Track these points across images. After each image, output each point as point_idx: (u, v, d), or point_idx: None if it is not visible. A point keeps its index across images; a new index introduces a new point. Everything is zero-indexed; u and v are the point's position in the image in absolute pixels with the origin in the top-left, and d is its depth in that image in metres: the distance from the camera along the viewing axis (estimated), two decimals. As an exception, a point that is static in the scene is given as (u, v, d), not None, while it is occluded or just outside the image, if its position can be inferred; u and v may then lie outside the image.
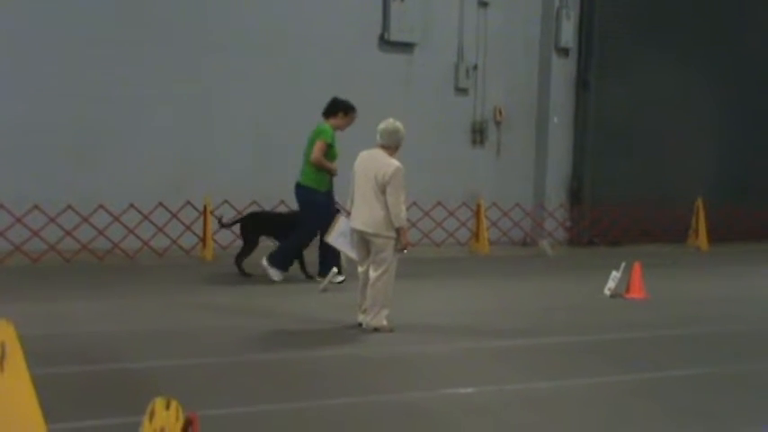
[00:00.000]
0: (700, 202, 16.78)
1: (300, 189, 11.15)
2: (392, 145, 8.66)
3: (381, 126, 8.71)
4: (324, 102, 11.29)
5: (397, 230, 8.45)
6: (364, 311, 8.69)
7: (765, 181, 18.32)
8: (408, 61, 15.41)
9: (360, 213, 8.58)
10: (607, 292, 11.20)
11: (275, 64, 14.51)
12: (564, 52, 16.37)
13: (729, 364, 8.02)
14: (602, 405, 6.60)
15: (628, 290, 11.25)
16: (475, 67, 15.86)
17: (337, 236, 8.93)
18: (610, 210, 16.36)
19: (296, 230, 11.24)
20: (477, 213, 15.43)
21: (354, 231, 8.67)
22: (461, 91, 15.84)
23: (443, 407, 6.33)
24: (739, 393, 7.11)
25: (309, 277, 11.46)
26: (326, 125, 11.16)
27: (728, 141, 17.92)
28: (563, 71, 16.46)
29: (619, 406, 6.59)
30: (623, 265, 11.32)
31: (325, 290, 10.76)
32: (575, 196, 16.60)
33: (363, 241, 8.64)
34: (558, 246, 16.06)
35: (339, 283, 11.10)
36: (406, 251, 8.55)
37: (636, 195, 16.58)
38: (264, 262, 11.23)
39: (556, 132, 16.45)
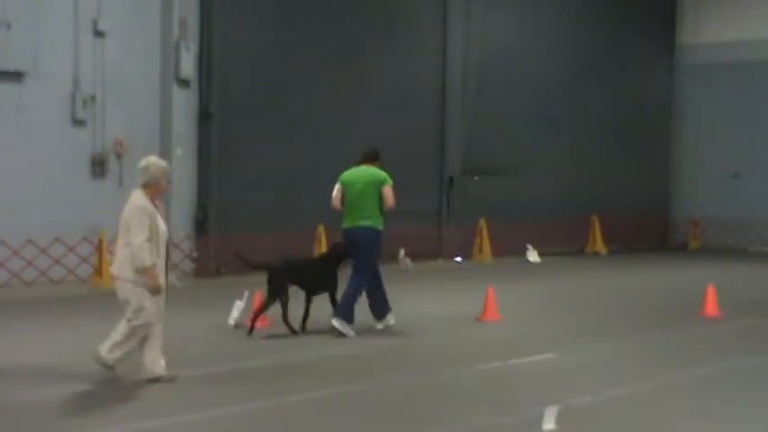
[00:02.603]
0: (321, 228, 17.40)
1: (370, 232, 11.12)
2: (148, 183, 8.34)
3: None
4: None
5: (143, 272, 8.11)
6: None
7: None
8: (18, 91, 14.60)
9: (114, 257, 8.47)
10: (231, 321, 11.26)
11: None
12: (185, 84, 16.31)
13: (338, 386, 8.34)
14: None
15: (252, 319, 11.33)
16: (93, 98, 15.37)
17: None
18: (237, 239, 16.48)
19: (360, 275, 11.07)
20: (99, 248, 14.95)
21: None
22: (79, 122, 15.26)
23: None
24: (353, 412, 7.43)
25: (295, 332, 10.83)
26: (379, 169, 11.37)
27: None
28: (185, 102, 16.39)
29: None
30: (246, 294, 11.46)
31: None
32: (200, 227, 16.56)
33: None
34: (185, 277, 15.93)
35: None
36: (155, 294, 8.21)
37: (263, 223, 16.87)
38: (335, 321, 10.78)
39: (180, 164, 16.33)
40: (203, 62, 16.45)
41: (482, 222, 20.29)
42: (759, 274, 18.71)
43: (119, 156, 15.74)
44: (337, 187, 11.40)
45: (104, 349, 8.29)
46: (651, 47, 24.85)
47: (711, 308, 12.90)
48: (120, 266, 8.27)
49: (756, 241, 24.18)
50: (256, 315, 10.80)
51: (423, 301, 14.09)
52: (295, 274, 10.81)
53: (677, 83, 25.46)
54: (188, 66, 16.18)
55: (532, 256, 20.16)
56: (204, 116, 16.49)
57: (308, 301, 11.04)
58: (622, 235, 23.28)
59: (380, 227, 11.20)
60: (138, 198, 8.29)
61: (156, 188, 8.38)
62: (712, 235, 24.76)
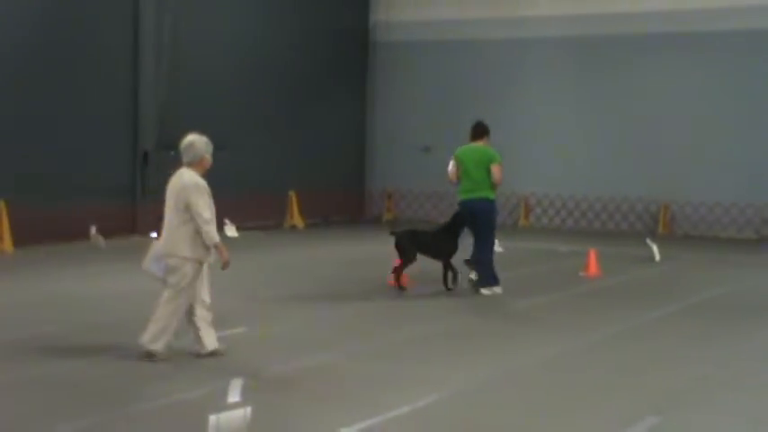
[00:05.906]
0: (2, 204, 16.30)
1: (487, 203, 12.31)
2: (193, 161, 8.40)
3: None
4: None
5: (214, 248, 8.26)
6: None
7: (66, 180, 18.22)
8: None
9: (164, 235, 8.35)
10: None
11: None
12: None
13: (34, 368, 8.02)
14: None
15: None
16: None
17: (151, 261, 8.36)
18: None
19: (483, 244, 12.30)
20: None
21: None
22: None
23: None
24: (44, 395, 7.21)
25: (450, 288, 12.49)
26: (489, 147, 12.41)
27: (36, 139, 17.58)
28: None
29: None
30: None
31: None
32: None
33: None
34: None
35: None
36: (226, 268, 8.41)
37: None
38: (484, 291, 12.25)
39: None
40: None
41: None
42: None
43: None
44: (452, 163, 12.59)
45: (147, 339, 8.23)
46: (345, 24, 25.38)
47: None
48: (175, 245, 8.21)
49: (446, 212, 25.45)
50: (397, 275, 12.48)
51: (115, 278, 13.65)
52: (419, 244, 12.55)
53: (371, 60, 26.21)
54: None
55: (230, 230, 20.01)
56: None
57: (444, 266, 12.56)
58: (320, 209, 23.68)
59: (493, 197, 12.40)
60: (191, 175, 8.32)
61: (201, 164, 8.45)
62: (405, 207, 25.81)
